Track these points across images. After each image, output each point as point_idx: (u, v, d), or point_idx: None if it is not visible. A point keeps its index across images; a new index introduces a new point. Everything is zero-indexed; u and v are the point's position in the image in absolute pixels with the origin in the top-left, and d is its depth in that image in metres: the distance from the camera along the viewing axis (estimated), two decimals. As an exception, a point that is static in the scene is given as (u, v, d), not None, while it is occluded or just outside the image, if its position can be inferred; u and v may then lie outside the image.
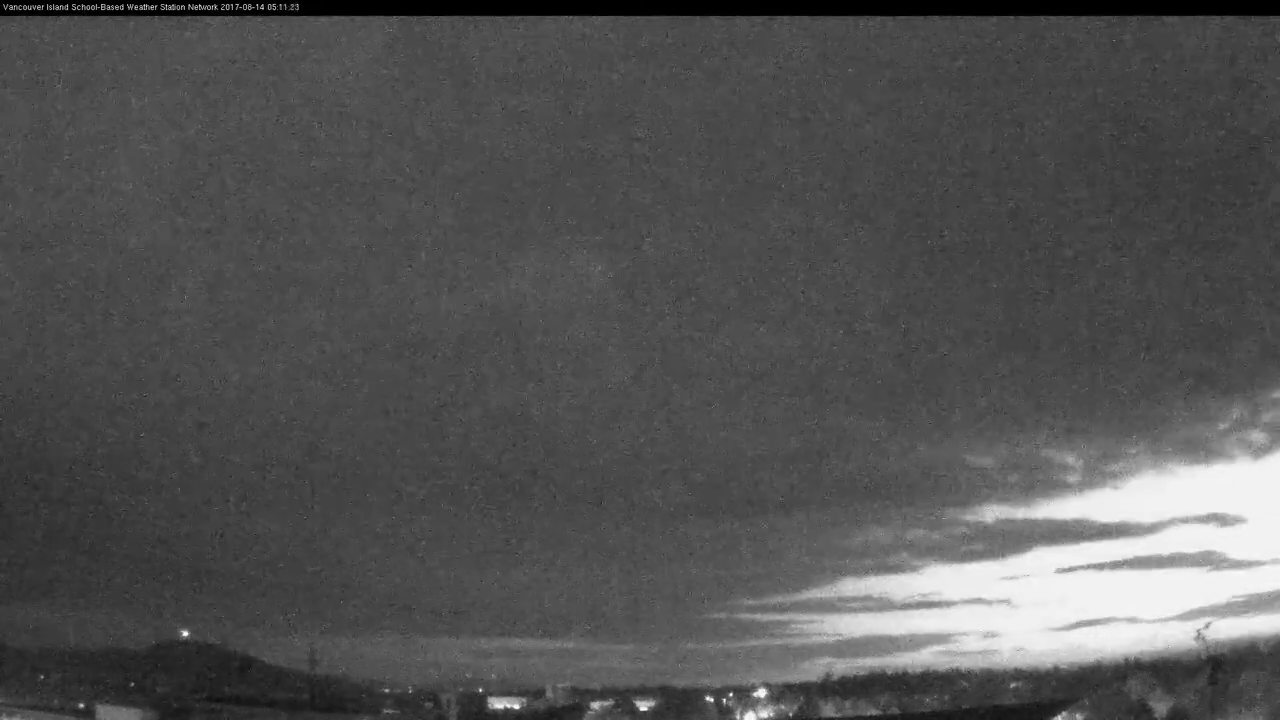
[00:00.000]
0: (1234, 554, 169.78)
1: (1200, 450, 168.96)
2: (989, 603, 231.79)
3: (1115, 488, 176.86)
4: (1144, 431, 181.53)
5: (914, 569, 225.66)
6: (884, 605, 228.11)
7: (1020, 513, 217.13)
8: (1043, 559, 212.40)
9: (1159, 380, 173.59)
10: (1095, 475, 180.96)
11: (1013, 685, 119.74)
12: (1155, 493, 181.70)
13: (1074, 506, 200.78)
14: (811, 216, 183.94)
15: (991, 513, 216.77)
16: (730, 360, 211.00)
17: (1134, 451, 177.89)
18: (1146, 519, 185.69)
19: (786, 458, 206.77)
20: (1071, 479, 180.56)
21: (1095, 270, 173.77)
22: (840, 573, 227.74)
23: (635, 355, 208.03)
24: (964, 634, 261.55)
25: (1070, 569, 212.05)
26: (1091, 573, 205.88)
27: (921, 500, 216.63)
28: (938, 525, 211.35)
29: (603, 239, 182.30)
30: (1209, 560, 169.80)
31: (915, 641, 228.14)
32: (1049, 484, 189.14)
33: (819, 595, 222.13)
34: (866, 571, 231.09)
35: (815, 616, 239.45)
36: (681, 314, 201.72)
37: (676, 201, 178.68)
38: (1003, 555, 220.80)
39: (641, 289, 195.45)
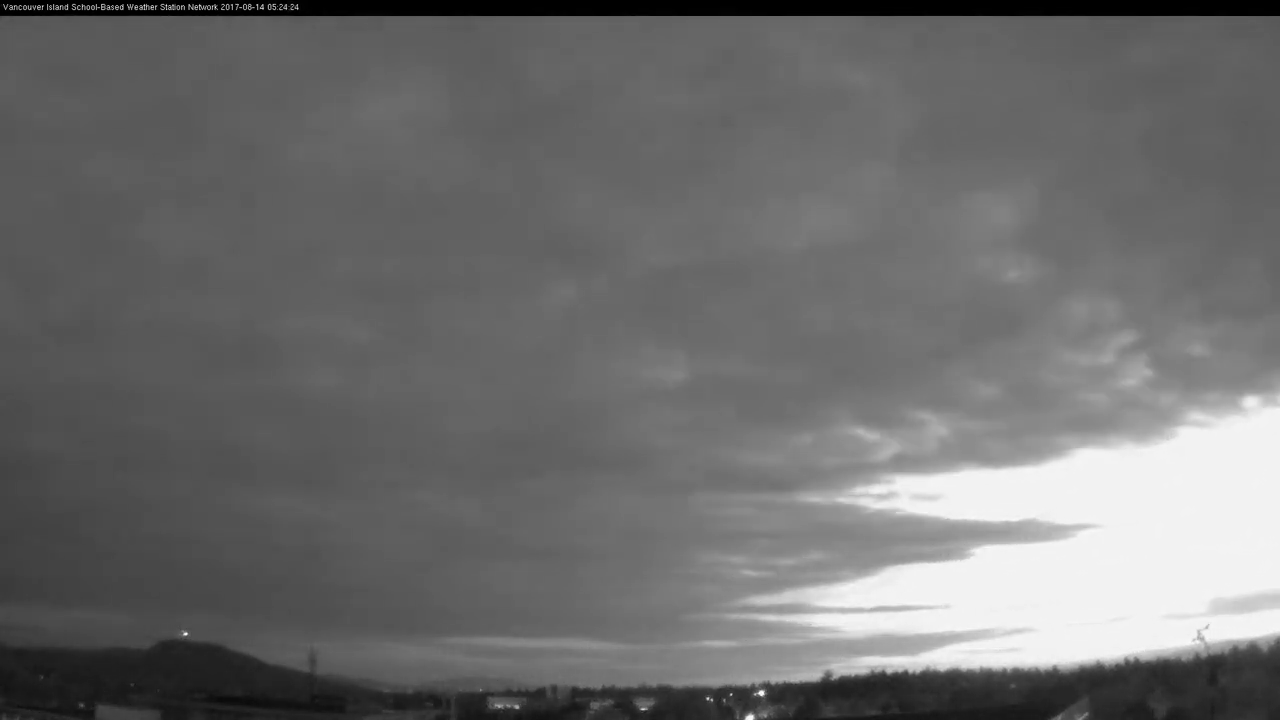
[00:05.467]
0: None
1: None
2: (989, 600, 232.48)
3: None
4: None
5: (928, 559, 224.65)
6: (886, 605, 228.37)
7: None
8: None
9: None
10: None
11: (1012, 686, 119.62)
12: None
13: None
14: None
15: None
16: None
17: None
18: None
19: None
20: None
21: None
22: (848, 567, 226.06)
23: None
24: (966, 634, 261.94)
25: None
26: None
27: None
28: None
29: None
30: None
31: (916, 642, 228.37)
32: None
33: (821, 594, 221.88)
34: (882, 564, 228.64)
35: (816, 616, 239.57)
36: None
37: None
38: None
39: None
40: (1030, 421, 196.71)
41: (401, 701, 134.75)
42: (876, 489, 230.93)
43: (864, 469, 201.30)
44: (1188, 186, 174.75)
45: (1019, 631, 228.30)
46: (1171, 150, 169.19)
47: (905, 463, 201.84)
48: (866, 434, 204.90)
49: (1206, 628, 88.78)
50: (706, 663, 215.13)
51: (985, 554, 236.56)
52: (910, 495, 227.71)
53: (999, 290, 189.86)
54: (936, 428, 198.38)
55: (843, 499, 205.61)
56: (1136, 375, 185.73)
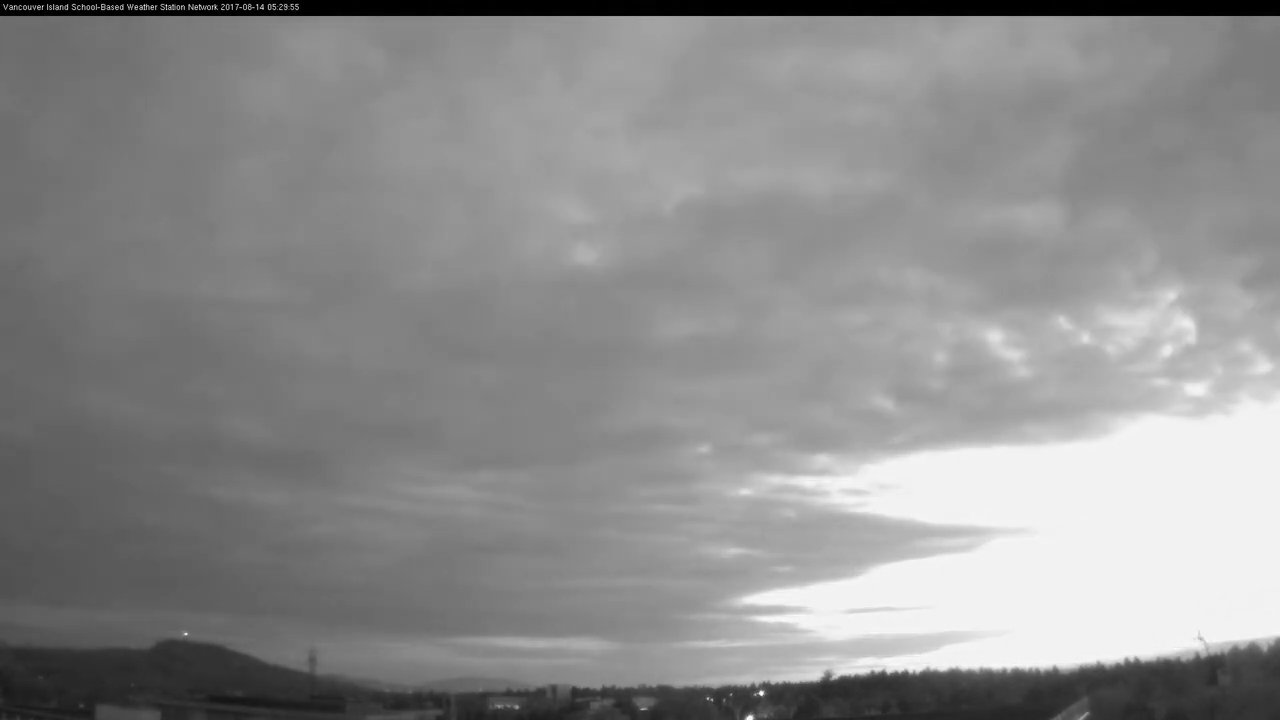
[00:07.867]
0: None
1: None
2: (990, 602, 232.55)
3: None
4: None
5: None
6: (886, 605, 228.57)
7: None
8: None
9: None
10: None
11: (1012, 686, 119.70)
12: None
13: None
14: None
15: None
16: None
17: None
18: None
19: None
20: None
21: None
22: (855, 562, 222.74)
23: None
24: (963, 634, 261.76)
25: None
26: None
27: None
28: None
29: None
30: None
31: (917, 642, 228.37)
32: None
33: (823, 592, 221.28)
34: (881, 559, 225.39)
35: (816, 616, 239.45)
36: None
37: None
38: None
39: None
40: (1058, 396, 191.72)
41: (401, 701, 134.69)
42: (888, 478, 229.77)
43: (880, 448, 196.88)
44: (1235, 137, 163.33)
45: (1017, 632, 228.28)
46: (1218, 97, 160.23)
47: (925, 440, 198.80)
48: (887, 405, 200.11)
49: (1207, 628, 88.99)
50: (706, 663, 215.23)
51: (994, 548, 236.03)
52: (922, 483, 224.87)
53: (1028, 248, 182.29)
54: (957, 399, 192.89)
55: (853, 487, 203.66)
56: (1178, 343, 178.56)
